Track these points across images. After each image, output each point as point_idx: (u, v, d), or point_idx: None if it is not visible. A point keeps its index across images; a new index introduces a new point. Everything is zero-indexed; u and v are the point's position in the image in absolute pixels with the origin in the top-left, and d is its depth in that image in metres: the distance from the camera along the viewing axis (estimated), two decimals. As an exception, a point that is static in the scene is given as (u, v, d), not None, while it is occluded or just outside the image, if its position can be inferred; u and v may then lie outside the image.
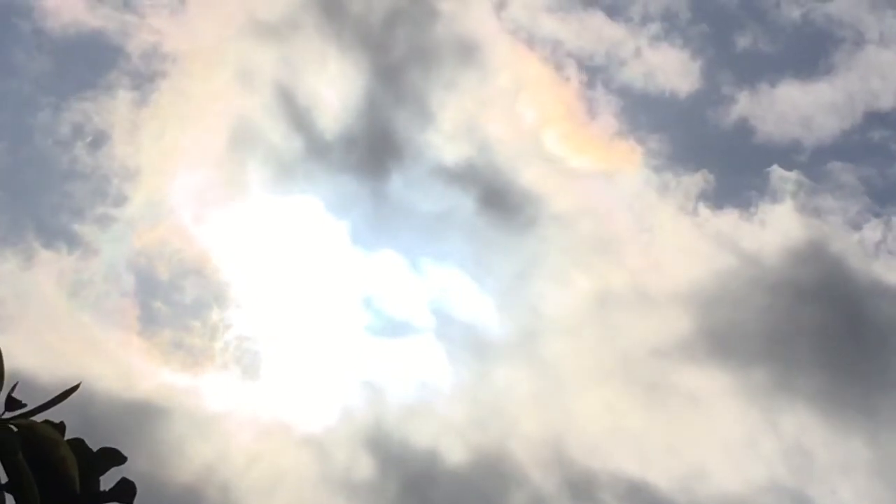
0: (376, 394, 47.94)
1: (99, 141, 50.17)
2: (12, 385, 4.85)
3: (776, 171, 50.27)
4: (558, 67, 52.31)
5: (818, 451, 45.87)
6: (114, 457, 4.89)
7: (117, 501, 4.85)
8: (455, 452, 44.72)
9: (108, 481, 4.85)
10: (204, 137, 51.09)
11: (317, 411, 47.80)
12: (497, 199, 50.76)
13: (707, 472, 45.52)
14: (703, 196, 50.13)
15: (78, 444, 4.82)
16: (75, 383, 4.91)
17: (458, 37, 52.04)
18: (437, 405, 48.24)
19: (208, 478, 40.77)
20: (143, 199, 50.24)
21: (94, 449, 4.87)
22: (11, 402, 4.78)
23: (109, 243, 49.22)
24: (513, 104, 52.36)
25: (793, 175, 50.10)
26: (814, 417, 46.49)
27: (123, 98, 50.91)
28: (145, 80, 51.53)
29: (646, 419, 48.36)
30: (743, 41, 52.70)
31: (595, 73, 51.57)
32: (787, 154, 51.13)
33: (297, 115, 50.33)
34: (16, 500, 4.61)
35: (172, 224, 50.50)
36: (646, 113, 54.04)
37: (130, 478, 4.84)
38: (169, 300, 50.98)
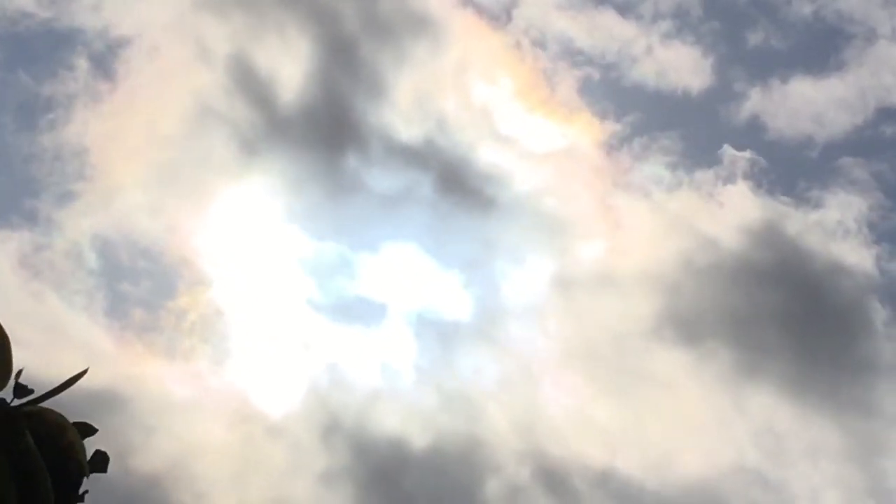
0: (340, 379, 47.96)
1: (57, 122, 49.85)
2: (18, 371, 4.85)
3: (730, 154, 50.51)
4: (517, 44, 52.36)
5: (784, 432, 46.33)
6: (85, 430, 4.96)
7: (93, 472, 4.93)
8: (420, 438, 44.85)
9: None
10: (161, 115, 50.79)
11: (280, 397, 47.77)
12: (456, 178, 50.81)
13: (675, 456, 45.89)
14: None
15: (53, 418, 4.86)
16: (82, 369, 4.91)
17: (417, 12, 52.05)
18: (402, 390, 48.32)
19: (171, 466, 40.71)
20: (101, 181, 49.95)
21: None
22: (19, 389, 4.79)
23: (68, 224, 48.92)
24: (472, 81, 52.43)
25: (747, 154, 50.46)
26: (779, 399, 46.93)
27: (81, 78, 50.59)
28: (102, 58, 51.22)
29: (612, 403, 48.65)
30: (754, 38, 52.89)
31: (608, 70, 51.84)
32: (799, 149, 51.53)
33: (253, 91, 50.06)
34: (27, 485, 4.60)
35: (131, 204, 50.18)
36: (658, 110, 54.17)
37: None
38: (128, 282, 50.75)
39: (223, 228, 50.50)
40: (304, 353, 49.24)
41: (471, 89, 51.84)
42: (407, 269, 50.99)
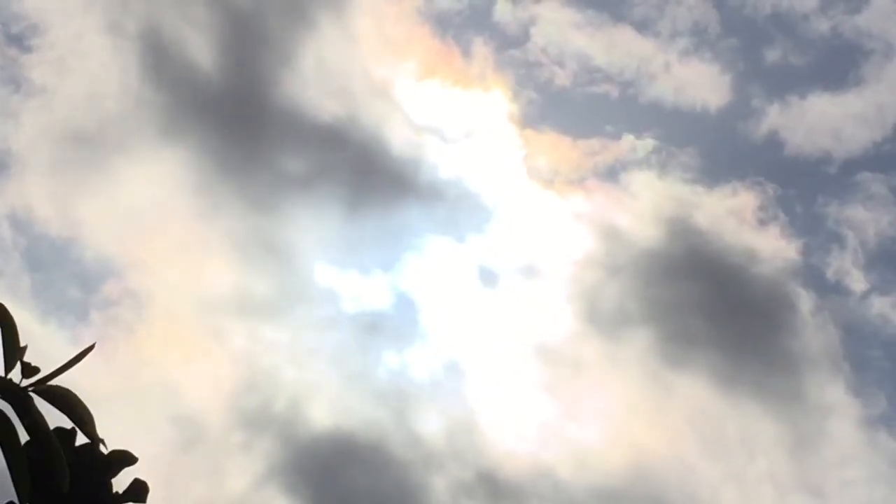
0: (263, 371, 47.68)
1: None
2: (23, 349, 4.86)
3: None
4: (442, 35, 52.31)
5: (714, 423, 46.91)
6: (125, 458, 4.97)
7: (133, 501, 4.95)
8: (348, 434, 44.73)
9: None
10: (69, 94, 49.96)
11: (204, 391, 47.40)
12: (371, 165, 50.59)
13: (605, 449, 46.27)
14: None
15: (91, 449, 4.89)
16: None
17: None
18: (317, 381, 47.98)
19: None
20: (16, 165, 49.08)
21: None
22: (26, 368, 4.79)
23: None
24: (385, 58, 52.22)
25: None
26: (709, 390, 47.48)
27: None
28: (11, 38, 50.44)
29: (539, 395, 48.99)
30: (772, 54, 53.04)
31: (626, 87, 51.92)
32: (817, 165, 52.01)
33: (164, 70, 49.29)
34: (40, 464, 4.62)
35: (40, 189, 49.31)
36: (677, 127, 54.25)
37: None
38: (44, 270, 50.04)
39: (135, 211, 49.77)
40: (226, 344, 48.88)
41: (383, 66, 51.78)
42: (327, 255, 50.84)
